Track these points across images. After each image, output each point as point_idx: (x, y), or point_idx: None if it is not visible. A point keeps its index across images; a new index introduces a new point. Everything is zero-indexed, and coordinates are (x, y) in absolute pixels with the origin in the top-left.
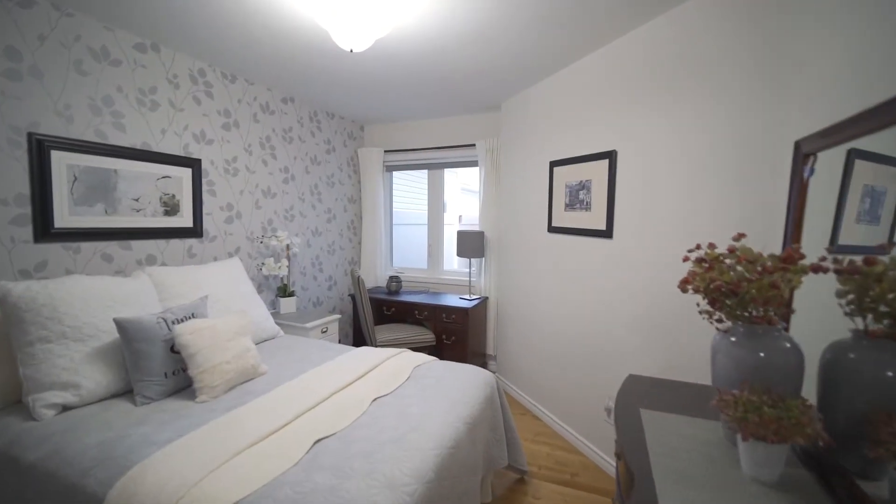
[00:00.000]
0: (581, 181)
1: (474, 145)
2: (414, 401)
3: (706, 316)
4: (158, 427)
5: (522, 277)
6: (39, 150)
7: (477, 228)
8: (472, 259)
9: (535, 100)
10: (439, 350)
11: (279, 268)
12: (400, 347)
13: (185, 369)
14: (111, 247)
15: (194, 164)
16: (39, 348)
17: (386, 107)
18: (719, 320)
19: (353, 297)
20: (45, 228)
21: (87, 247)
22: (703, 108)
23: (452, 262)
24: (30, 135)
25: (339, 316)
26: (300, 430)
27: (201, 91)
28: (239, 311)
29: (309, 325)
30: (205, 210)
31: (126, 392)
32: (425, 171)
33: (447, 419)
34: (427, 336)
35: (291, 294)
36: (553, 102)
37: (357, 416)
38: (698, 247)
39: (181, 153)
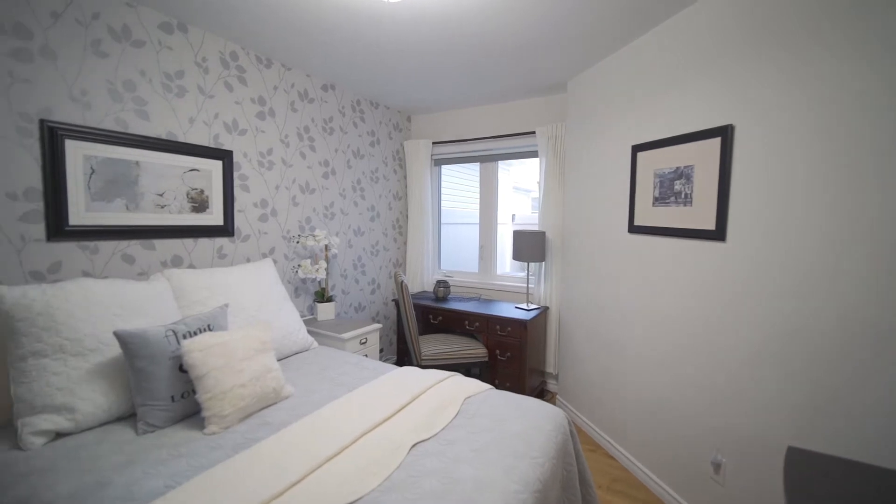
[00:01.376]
0: (677, 168)
1: (534, 133)
2: (465, 452)
3: None
4: (149, 469)
5: (593, 286)
6: (52, 140)
7: (536, 228)
8: (530, 263)
9: (611, 73)
10: (492, 367)
11: (317, 270)
12: (447, 362)
13: (195, 391)
14: (133, 247)
15: (225, 157)
16: (32, 364)
17: (434, 92)
18: None
19: (396, 302)
20: (58, 226)
21: (105, 246)
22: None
23: (506, 265)
24: (42, 122)
25: (379, 326)
26: (316, 491)
27: (233, 76)
28: (262, 324)
29: (346, 335)
30: (237, 207)
31: (131, 415)
32: (477, 165)
33: (510, 486)
34: (478, 350)
35: (330, 299)
36: (637, 73)
37: (390, 472)
38: None
39: (211, 144)
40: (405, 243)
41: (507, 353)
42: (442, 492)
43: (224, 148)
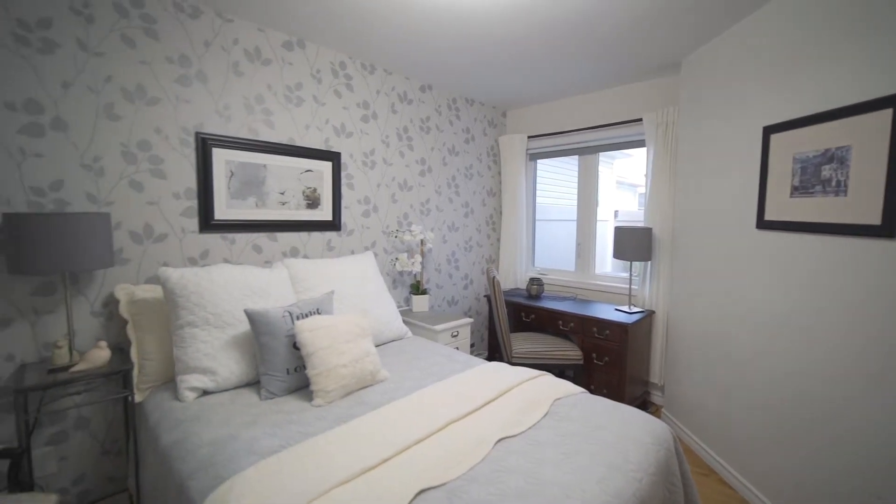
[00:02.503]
0: (826, 150)
1: (640, 120)
2: (552, 454)
3: None
4: (267, 431)
5: (711, 290)
6: (204, 148)
7: (641, 224)
8: (634, 263)
9: (736, 45)
10: (587, 371)
11: (412, 264)
12: (539, 362)
13: (305, 367)
14: (260, 238)
15: (334, 158)
16: (188, 332)
17: (530, 84)
18: None
19: (488, 297)
20: (207, 220)
21: (240, 237)
22: None
23: (606, 264)
24: (197, 134)
25: (470, 320)
26: (403, 470)
27: (342, 84)
28: (362, 311)
29: (438, 327)
30: (343, 203)
31: (256, 382)
32: (575, 158)
33: (601, 497)
34: (573, 353)
35: (424, 292)
36: (769, 42)
37: (474, 463)
38: None
39: (322, 147)
40: (498, 240)
41: (605, 358)
42: (526, 492)
43: (333, 150)
